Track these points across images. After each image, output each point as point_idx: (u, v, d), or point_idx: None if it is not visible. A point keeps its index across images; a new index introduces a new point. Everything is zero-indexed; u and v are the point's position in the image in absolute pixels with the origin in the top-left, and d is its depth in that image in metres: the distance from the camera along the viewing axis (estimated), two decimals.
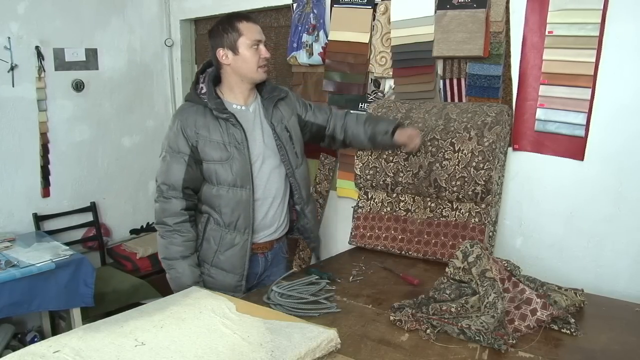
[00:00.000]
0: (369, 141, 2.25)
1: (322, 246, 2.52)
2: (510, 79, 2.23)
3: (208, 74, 2.06)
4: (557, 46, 2.07)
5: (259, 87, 2.12)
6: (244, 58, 1.96)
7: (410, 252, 2.26)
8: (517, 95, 2.21)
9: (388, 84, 2.63)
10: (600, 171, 2.04)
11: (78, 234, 3.54)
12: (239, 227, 2.01)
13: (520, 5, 2.15)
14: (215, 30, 2.01)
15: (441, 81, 2.42)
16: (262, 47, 2.00)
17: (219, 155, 1.96)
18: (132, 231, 3.88)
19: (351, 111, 2.38)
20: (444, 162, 2.17)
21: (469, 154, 2.11)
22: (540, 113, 2.15)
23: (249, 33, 1.96)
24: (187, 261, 1.99)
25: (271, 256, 2.16)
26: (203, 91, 2.02)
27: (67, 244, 3.04)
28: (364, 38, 2.60)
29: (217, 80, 2.07)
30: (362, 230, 2.43)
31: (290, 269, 2.26)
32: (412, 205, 2.32)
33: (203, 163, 1.98)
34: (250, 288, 2.14)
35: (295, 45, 2.88)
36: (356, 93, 2.70)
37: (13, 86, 3.15)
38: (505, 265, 1.77)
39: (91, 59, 3.53)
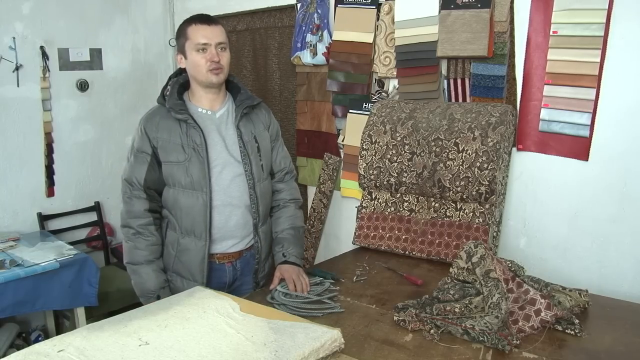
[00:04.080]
0: (271, 233, 2.14)
1: (322, 250, 2.47)
2: (514, 79, 2.22)
3: (180, 77, 2.02)
4: (561, 46, 2.07)
5: (235, 93, 2.06)
6: (192, 62, 1.91)
7: (414, 252, 2.26)
8: (522, 96, 2.21)
9: (392, 84, 2.63)
10: (605, 171, 2.04)
11: (82, 234, 3.55)
12: (194, 232, 1.93)
13: (524, 5, 2.15)
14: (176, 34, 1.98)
15: (445, 81, 2.41)
16: (212, 50, 1.88)
17: (176, 156, 1.91)
18: None
19: (297, 204, 2.19)
20: (448, 162, 2.17)
21: (473, 154, 2.11)
22: (544, 113, 2.15)
23: (194, 37, 1.88)
24: (152, 266, 1.93)
25: (241, 265, 2.05)
26: (167, 93, 1.98)
27: (71, 243, 3.04)
28: (368, 38, 2.60)
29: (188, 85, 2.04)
30: (365, 230, 2.43)
31: (257, 279, 2.14)
32: (416, 205, 2.32)
33: (162, 165, 1.93)
34: None
35: (299, 45, 2.89)
36: (360, 93, 2.71)
37: (18, 86, 3.16)
38: (509, 265, 1.76)
39: (95, 59, 3.54)
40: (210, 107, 1.99)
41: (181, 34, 1.92)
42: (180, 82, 2.00)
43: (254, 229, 2.02)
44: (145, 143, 1.92)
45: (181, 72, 2.03)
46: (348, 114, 2.75)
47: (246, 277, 2.09)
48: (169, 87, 1.99)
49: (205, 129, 1.93)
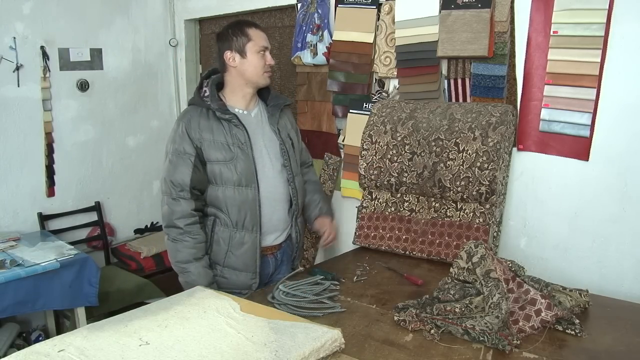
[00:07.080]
0: (305, 222, 2.39)
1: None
2: (514, 79, 2.22)
3: (212, 79, 2.11)
4: (562, 46, 2.07)
5: (262, 94, 2.18)
6: (251, 62, 2.03)
7: (414, 252, 2.26)
8: (522, 96, 2.21)
9: (392, 84, 2.63)
10: (605, 171, 2.04)
11: (82, 234, 3.56)
12: (247, 225, 2.04)
13: (525, 5, 2.14)
14: (225, 34, 2.07)
15: (445, 81, 2.41)
16: (267, 54, 2.07)
17: (223, 155, 2.00)
18: (137, 231, 3.89)
19: (319, 182, 2.52)
20: (448, 162, 2.17)
21: (474, 154, 2.11)
22: (544, 113, 2.15)
23: (257, 39, 2.04)
24: (201, 263, 2.01)
25: (280, 255, 2.21)
26: (206, 94, 2.07)
27: (71, 243, 3.04)
28: (369, 38, 2.60)
29: (220, 87, 2.12)
30: (366, 230, 2.43)
31: (294, 265, 2.30)
32: (416, 205, 2.32)
33: (207, 164, 2.01)
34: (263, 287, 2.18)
35: (299, 45, 2.89)
36: (360, 93, 2.71)
37: (18, 86, 3.16)
38: (510, 265, 1.76)
39: (96, 59, 3.55)
40: (245, 107, 2.10)
41: (240, 34, 2.03)
42: (215, 84, 2.09)
43: (294, 220, 2.17)
44: (187, 144, 1.99)
45: (210, 74, 2.14)
46: (348, 114, 2.75)
47: (283, 266, 2.25)
48: (205, 89, 2.08)
49: (247, 127, 2.04)
